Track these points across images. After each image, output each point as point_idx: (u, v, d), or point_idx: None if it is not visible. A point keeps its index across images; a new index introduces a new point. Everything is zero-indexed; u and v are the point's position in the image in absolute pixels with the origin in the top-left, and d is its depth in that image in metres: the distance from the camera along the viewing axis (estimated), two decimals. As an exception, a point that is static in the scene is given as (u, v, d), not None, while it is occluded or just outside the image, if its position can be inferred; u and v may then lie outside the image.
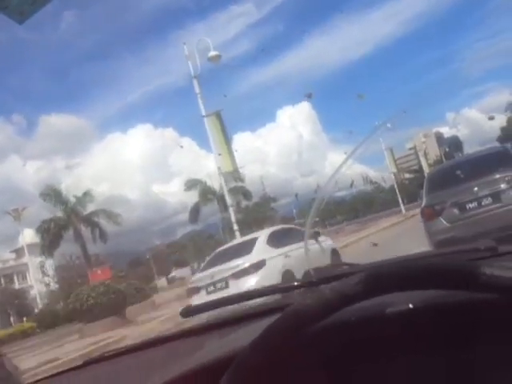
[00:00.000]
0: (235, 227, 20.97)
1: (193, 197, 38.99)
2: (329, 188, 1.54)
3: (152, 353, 1.27)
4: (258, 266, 9.75)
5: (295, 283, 1.19)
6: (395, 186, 47.71)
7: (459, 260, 1.06)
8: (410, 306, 0.77)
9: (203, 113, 21.08)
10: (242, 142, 75.74)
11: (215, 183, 38.32)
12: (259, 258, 9.89)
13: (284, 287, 1.23)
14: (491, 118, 58.96)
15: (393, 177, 50.55)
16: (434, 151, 79.24)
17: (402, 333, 0.78)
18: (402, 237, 18.27)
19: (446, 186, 8.51)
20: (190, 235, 48.68)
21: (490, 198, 7.95)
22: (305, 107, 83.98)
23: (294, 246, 10.05)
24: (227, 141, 21.39)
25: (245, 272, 9.71)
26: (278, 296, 1.25)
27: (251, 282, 9.33)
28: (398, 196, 45.60)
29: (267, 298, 1.24)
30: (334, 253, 12.46)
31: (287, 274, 9.68)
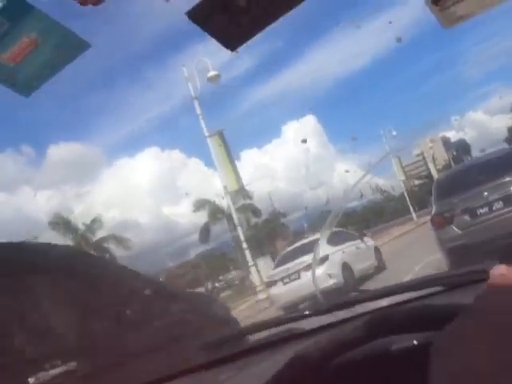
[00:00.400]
0: (244, 245, 20.84)
1: (203, 217, 38.95)
2: (342, 201, 1.46)
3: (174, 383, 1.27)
4: (322, 260, 12.15)
5: (305, 312, 1.21)
6: (405, 194, 47.49)
7: (467, 281, 1.11)
8: (414, 342, 0.80)
9: (206, 133, 21.27)
10: (250, 159, 76.16)
11: (224, 202, 38.33)
12: (323, 253, 12.10)
13: (294, 316, 1.26)
14: (482, 151, 58.30)
15: (402, 184, 50.27)
16: (442, 156, 79.07)
17: (407, 369, 0.79)
18: (414, 245, 18.23)
19: (454, 191, 8.30)
20: (203, 255, 48.45)
21: (501, 202, 7.73)
22: (310, 120, 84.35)
23: (347, 244, 13.85)
24: (231, 159, 21.56)
25: (313, 266, 11.34)
26: (289, 325, 1.26)
27: (318, 273, 10.98)
28: (409, 203, 45.32)
29: (282, 326, 1.26)
30: (376, 250, 15.69)
31: (345, 266, 13.24)
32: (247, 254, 20.59)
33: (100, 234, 34.75)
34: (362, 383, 0.84)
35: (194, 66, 21.06)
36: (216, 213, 37.41)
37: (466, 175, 8.92)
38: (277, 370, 0.76)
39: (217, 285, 42.01)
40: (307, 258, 12.42)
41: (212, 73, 19.82)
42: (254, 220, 41.81)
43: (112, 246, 34.80)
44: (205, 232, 38.33)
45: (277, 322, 1.27)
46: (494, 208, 7.73)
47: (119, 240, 34.69)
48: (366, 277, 14.04)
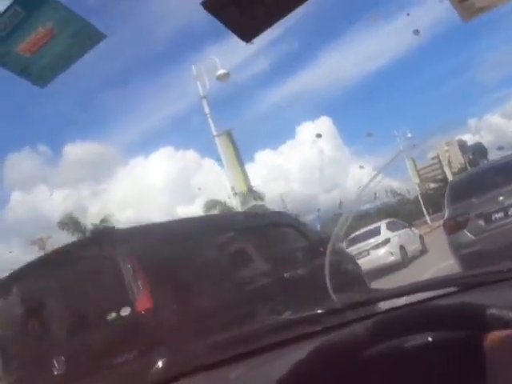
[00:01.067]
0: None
1: (215, 217, 38.94)
2: (354, 203, 1.60)
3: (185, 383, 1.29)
4: (385, 241, 17.11)
5: (320, 311, 1.22)
6: (419, 197, 47.18)
7: (482, 282, 1.12)
8: (429, 339, 0.81)
9: (214, 132, 21.12)
10: (264, 160, 76.02)
11: (234, 203, 38.19)
12: (385, 237, 17.38)
13: (311, 315, 1.25)
14: (500, 149, 58.02)
15: (417, 188, 49.94)
16: (458, 159, 78.51)
17: (422, 368, 0.81)
18: (430, 249, 18.86)
19: (469, 195, 8.06)
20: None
21: None
22: (324, 122, 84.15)
23: (402, 231, 18.57)
24: (240, 160, 21.46)
25: (379, 245, 16.92)
26: (305, 324, 1.27)
27: (382, 251, 16.68)
28: (423, 207, 45.02)
29: (297, 325, 1.28)
30: (420, 237, 20.07)
31: (401, 247, 17.23)
32: None
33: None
34: (376, 382, 0.85)
35: (203, 64, 20.93)
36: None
37: (481, 179, 8.73)
38: (291, 367, 0.78)
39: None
40: (373, 240, 17.19)
41: (221, 71, 19.55)
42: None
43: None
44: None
45: (291, 321, 1.29)
46: (510, 213, 7.52)
47: None
48: (415, 257, 17.92)
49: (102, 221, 34.61)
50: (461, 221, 7.81)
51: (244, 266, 5.20)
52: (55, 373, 4.13)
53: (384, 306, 1.12)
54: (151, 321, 4.02)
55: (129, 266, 4.08)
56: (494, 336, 0.67)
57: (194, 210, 39.33)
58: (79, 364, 4.09)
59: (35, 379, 4.42)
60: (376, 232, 17.87)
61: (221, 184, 21.70)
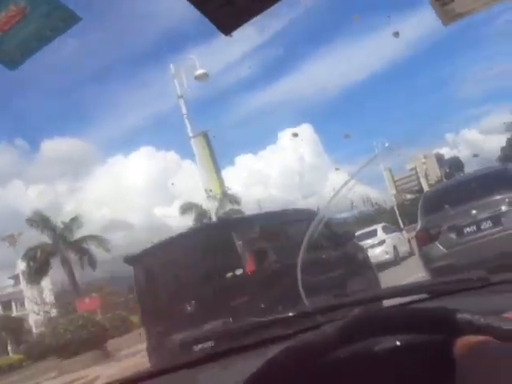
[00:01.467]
0: None
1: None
2: (328, 210, 1.64)
3: None
4: (381, 242, 20.63)
5: (291, 314, 1.22)
6: (395, 208, 47.68)
7: (453, 290, 1.15)
8: (400, 342, 0.82)
9: (190, 133, 20.71)
10: (244, 164, 76.13)
11: (211, 206, 38.04)
12: (381, 238, 20.88)
13: (281, 318, 1.26)
14: (475, 156, 59.00)
15: (393, 198, 50.49)
16: (435, 172, 79.77)
17: (389, 370, 0.82)
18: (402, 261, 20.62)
19: (442, 207, 7.97)
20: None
21: (489, 222, 7.47)
22: (306, 129, 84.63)
23: (394, 234, 22.56)
24: (215, 162, 21.13)
25: (375, 245, 19.87)
26: (276, 327, 1.29)
27: (379, 250, 19.86)
28: (398, 217, 45.48)
29: (267, 328, 1.29)
30: (409, 241, 21.84)
31: (395, 248, 21.15)
32: None
33: (81, 233, 34.11)
34: (345, 383, 0.85)
35: (182, 63, 20.57)
36: (203, 217, 37.11)
37: (455, 191, 8.68)
38: (258, 369, 0.78)
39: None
40: (370, 241, 19.87)
41: (200, 71, 19.21)
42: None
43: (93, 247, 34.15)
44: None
45: (261, 323, 1.27)
46: (482, 227, 7.47)
47: (99, 241, 34.03)
48: (405, 257, 21.03)
49: (73, 220, 34.13)
50: (433, 233, 7.78)
51: (312, 251, 6.72)
52: (188, 312, 6.40)
53: (355, 310, 1.13)
54: (255, 279, 6.52)
55: (240, 242, 6.60)
56: (464, 341, 0.68)
57: (172, 212, 39.26)
58: (206, 306, 6.37)
59: (173, 317, 6.52)
60: (373, 234, 21.38)
61: (201, 186, 21.35)
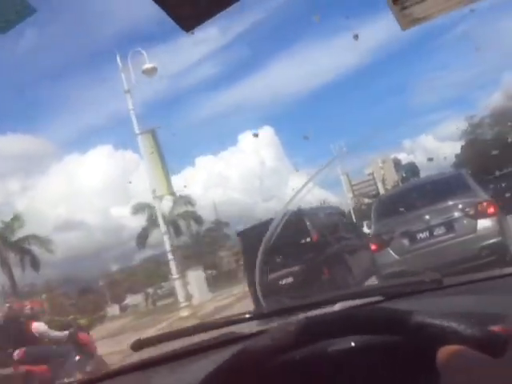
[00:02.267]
0: (170, 256, 19.88)
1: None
2: (286, 211, 1.65)
3: None
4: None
5: (247, 315, 1.24)
6: (351, 212, 48.42)
7: (405, 291, 1.18)
8: (352, 344, 0.84)
9: (137, 130, 20.02)
10: (204, 165, 75.73)
11: (164, 207, 37.67)
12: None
13: (236, 319, 1.28)
14: (430, 160, 61.46)
15: (349, 202, 51.22)
16: (392, 177, 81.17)
17: (345, 371, 0.85)
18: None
19: (395, 213, 8.05)
20: (148, 260, 47.40)
21: (443, 228, 7.49)
22: (267, 132, 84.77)
23: None
24: (163, 161, 20.24)
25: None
26: (231, 328, 1.30)
27: None
28: (354, 221, 46.12)
29: (221, 329, 1.30)
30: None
31: None
32: (172, 264, 19.66)
33: (21, 233, 33.15)
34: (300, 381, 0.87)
35: (129, 57, 19.66)
36: (155, 218, 36.73)
37: (409, 196, 8.64)
38: (209, 372, 0.79)
39: (158, 291, 41.31)
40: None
41: (148, 65, 18.75)
42: (195, 228, 41.30)
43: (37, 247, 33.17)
44: (142, 237, 37.47)
45: (216, 325, 1.30)
46: (434, 233, 7.46)
47: (41, 241, 33.16)
48: None
49: (14, 219, 33.03)
50: (385, 239, 7.73)
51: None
52: (279, 262, 10.06)
53: (312, 312, 1.14)
54: (317, 243, 11.47)
55: (309, 223, 11.09)
56: (442, 351, 0.69)
57: (129, 212, 38.57)
58: (290, 258, 10.65)
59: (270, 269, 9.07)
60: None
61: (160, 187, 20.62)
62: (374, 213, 8.62)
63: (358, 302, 1.20)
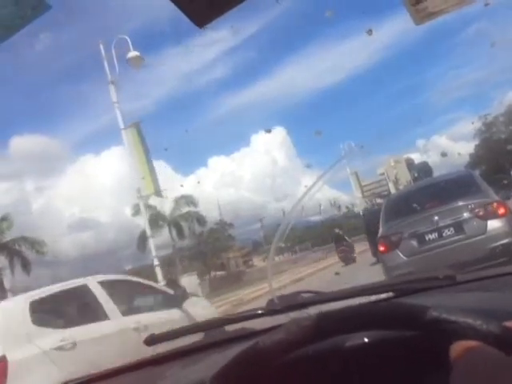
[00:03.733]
0: (156, 262, 19.18)
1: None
2: (295, 213, 1.62)
3: (116, 382, 1.34)
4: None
5: (259, 311, 1.26)
6: (361, 212, 48.29)
7: (418, 288, 1.20)
8: (367, 339, 0.87)
9: (121, 125, 19.03)
10: (217, 165, 75.52)
11: (166, 208, 37.59)
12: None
13: (249, 315, 1.29)
14: (444, 155, 61.53)
15: (358, 202, 51.00)
16: (405, 177, 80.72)
17: (359, 366, 0.88)
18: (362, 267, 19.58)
19: (404, 213, 8.15)
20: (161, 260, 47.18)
21: (452, 229, 7.54)
22: (280, 132, 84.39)
23: None
24: (148, 158, 19.33)
25: None
26: (243, 323, 1.32)
27: None
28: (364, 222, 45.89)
29: (233, 325, 1.32)
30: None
31: None
32: (158, 270, 18.84)
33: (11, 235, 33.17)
34: (312, 380, 0.90)
35: (115, 45, 18.70)
36: (157, 219, 36.67)
37: (418, 196, 8.72)
38: (221, 368, 0.81)
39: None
40: None
41: (132, 53, 17.72)
42: (198, 229, 41.07)
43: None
44: (142, 239, 37.21)
45: (229, 321, 1.32)
46: (443, 235, 7.52)
47: (31, 242, 32.99)
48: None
49: (2, 220, 32.81)
50: (394, 240, 7.80)
51: None
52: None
53: (323, 308, 1.14)
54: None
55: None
56: (457, 346, 0.70)
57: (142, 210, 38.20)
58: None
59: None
60: None
61: (173, 187, 19.86)
62: (382, 213, 8.66)
63: (370, 298, 1.22)
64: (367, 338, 0.88)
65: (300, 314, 1.20)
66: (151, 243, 20.11)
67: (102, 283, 6.53)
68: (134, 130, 19.42)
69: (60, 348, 5.37)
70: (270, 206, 66.94)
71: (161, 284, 19.86)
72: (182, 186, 27.52)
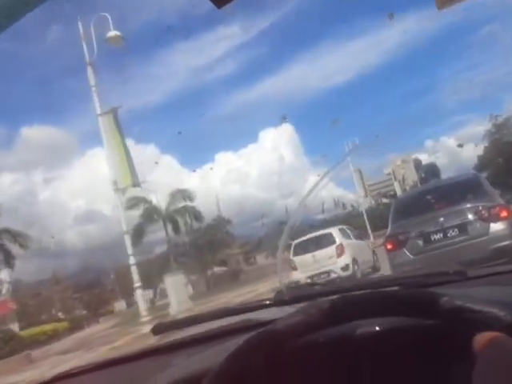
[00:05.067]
0: (131, 261, 17.97)
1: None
2: (301, 211, 1.63)
3: (121, 370, 1.34)
4: (338, 252, 16.56)
5: (267, 302, 1.26)
6: (364, 212, 46.60)
7: (428, 283, 1.17)
8: (377, 328, 0.87)
9: (98, 110, 17.32)
10: (224, 161, 75.33)
11: (162, 203, 35.99)
12: (337, 245, 16.74)
13: (257, 305, 1.29)
14: (460, 146, 60.30)
15: (361, 200, 49.45)
16: (412, 177, 79.31)
17: (370, 353, 0.87)
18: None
19: (411, 214, 8.51)
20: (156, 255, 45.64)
21: (456, 230, 7.87)
22: (287, 129, 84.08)
23: (355, 242, 18.04)
24: (125, 147, 17.32)
25: (328, 257, 16.51)
26: (251, 314, 1.31)
27: (332, 263, 16.23)
28: (366, 222, 44.28)
29: (241, 315, 1.32)
30: (373, 252, 19.22)
31: (355, 261, 16.57)
32: (135, 271, 17.61)
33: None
34: (324, 366, 0.88)
35: (94, 24, 17.55)
36: (152, 213, 34.94)
37: (426, 198, 8.93)
38: (227, 356, 0.80)
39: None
40: (327, 251, 16.40)
41: (112, 33, 16.60)
42: (195, 225, 39.27)
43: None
44: (137, 234, 35.44)
45: (236, 311, 1.31)
46: (448, 235, 7.83)
47: (14, 235, 31.31)
48: (368, 273, 17.07)
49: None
50: (401, 239, 8.13)
51: None
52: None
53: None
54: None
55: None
56: (482, 337, 0.69)
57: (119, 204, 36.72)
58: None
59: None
60: (328, 239, 17.41)
61: (180, 182, 18.19)
62: (391, 213, 8.98)
63: (380, 291, 1.16)
64: (384, 324, 0.88)
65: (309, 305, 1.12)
66: (128, 241, 18.47)
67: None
68: (111, 117, 17.65)
69: None
70: (276, 203, 66.43)
71: (136, 285, 18.51)
72: (211, 168, 25.22)
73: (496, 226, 7.65)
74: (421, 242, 7.94)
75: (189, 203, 36.98)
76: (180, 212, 36.91)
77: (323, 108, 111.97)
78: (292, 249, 16.81)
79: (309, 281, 14.51)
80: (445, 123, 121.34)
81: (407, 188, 60.63)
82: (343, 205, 64.80)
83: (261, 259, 48.64)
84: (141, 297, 18.47)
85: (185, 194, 36.28)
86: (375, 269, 17.69)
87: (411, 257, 7.89)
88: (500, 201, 8.41)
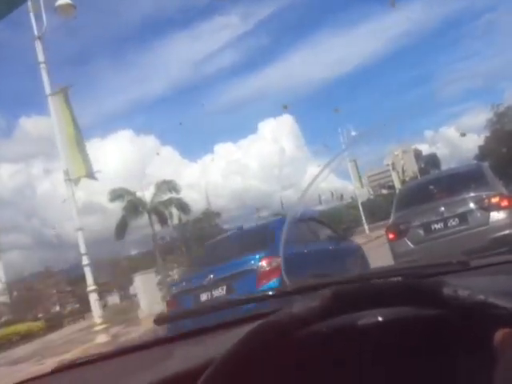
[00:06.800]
0: (85, 261, 15.48)
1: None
2: (302, 203, 1.61)
3: (126, 360, 1.31)
4: None
5: (270, 293, 1.23)
6: (359, 203, 44.19)
7: (431, 273, 1.13)
8: (379, 318, 0.84)
9: (48, 90, 14.62)
10: (224, 153, 72.81)
11: (147, 194, 33.10)
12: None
13: (260, 296, 1.25)
14: (463, 135, 57.88)
15: (357, 192, 46.85)
16: (412, 168, 76.48)
17: (372, 343, 0.84)
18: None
19: (413, 204, 8.58)
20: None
21: (457, 219, 7.90)
22: (287, 120, 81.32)
23: None
24: (78, 133, 14.55)
25: None
26: (253, 305, 1.26)
27: None
28: (361, 213, 41.56)
29: (243, 306, 1.27)
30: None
31: None
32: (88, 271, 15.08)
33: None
34: (327, 356, 0.87)
35: None
36: (136, 206, 31.99)
37: (428, 188, 8.97)
38: (230, 347, 0.78)
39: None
40: None
41: (62, 1, 13.83)
42: (184, 218, 36.49)
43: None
44: (121, 227, 32.54)
45: (239, 302, 1.25)
46: (448, 225, 7.88)
47: None
48: None
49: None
50: (403, 228, 8.24)
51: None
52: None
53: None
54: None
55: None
56: (504, 333, 0.66)
57: (149, 198, 33.99)
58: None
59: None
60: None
61: (180, 174, 15.46)
62: (394, 203, 8.99)
63: (382, 281, 1.15)
64: (387, 315, 0.84)
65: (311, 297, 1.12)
66: (80, 237, 15.83)
67: None
68: (62, 97, 15.18)
69: None
70: (276, 194, 64.24)
71: (90, 288, 16.02)
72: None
73: (496, 216, 7.72)
74: (421, 232, 8.04)
75: (174, 195, 34.14)
76: (165, 204, 34.03)
77: (323, 98, 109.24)
78: None
79: None
80: (444, 113, 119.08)
81: (406, 179, 58.15)
82: (341, 196, 62.38)
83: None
84: (95, 301, 15.60)
85: (170, 186, 33.43)
86: None
87: (412, 246, 8.00)
88: (502, 190, 8.41)
